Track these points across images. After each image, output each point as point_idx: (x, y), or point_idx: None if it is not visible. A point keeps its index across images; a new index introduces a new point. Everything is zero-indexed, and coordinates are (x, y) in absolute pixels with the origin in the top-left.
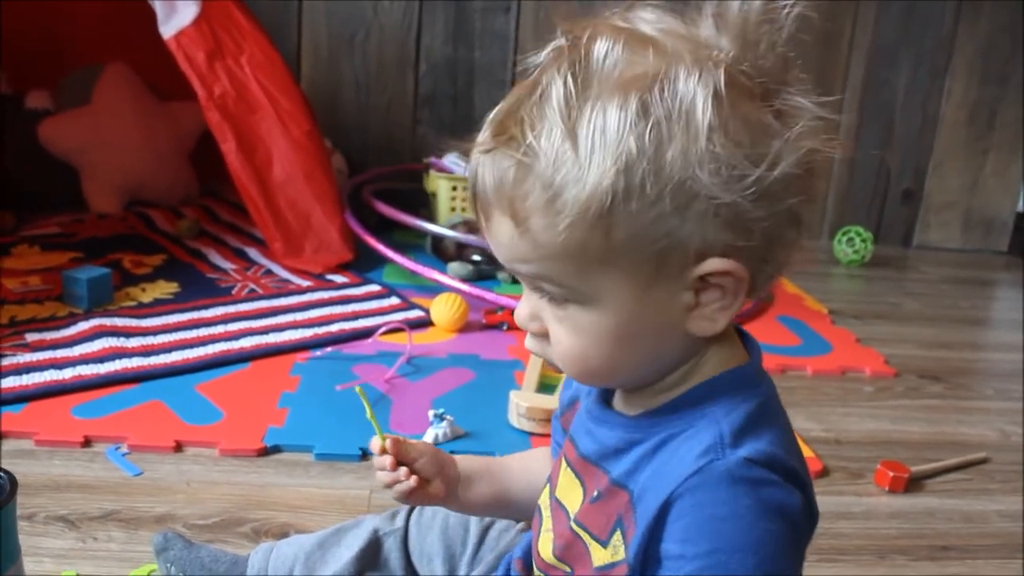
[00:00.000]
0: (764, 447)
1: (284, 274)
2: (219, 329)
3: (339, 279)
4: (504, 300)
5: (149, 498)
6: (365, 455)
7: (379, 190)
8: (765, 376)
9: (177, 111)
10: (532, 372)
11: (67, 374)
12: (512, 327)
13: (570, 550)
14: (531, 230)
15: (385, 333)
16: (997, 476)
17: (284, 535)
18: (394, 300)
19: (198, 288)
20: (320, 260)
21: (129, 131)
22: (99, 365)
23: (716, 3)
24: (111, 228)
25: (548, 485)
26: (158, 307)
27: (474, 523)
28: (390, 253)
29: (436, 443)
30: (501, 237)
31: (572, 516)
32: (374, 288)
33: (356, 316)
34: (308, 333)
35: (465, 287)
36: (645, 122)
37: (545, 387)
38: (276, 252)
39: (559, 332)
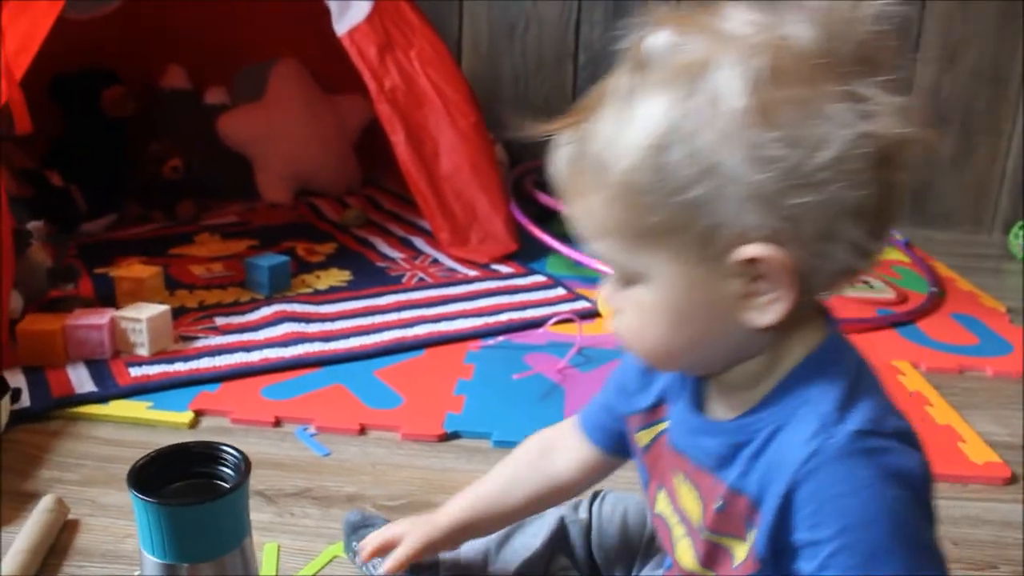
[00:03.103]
0: (870, 415)
1: (451, 263)
2: (393, 317)
3: (505, 269)
4: None
5: (338, 478)
6: None
7: (541, 181)
8: (848, 344)
9: (342, 104)
10: None
11: (255, 357)
12: None
13: (712, 557)
14: (589, 208)
15: (555, 323)
16: None
17: None
18: (560, 291)
19: (369, 276)
20: (486, 250)
21: (299, 124)
22: (284, 349)
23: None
24: (282, 217)
25: (663, 493)
26: (333, 294)
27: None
28: (555, 244)
29: None
30: (574, 217)
31: (700, 526)
32: (540, 279)
33: (524, 306)
34: (479, 322)
35: None
36: (684, 106)
37: None
38: (443, 242)
39: (624, 310)
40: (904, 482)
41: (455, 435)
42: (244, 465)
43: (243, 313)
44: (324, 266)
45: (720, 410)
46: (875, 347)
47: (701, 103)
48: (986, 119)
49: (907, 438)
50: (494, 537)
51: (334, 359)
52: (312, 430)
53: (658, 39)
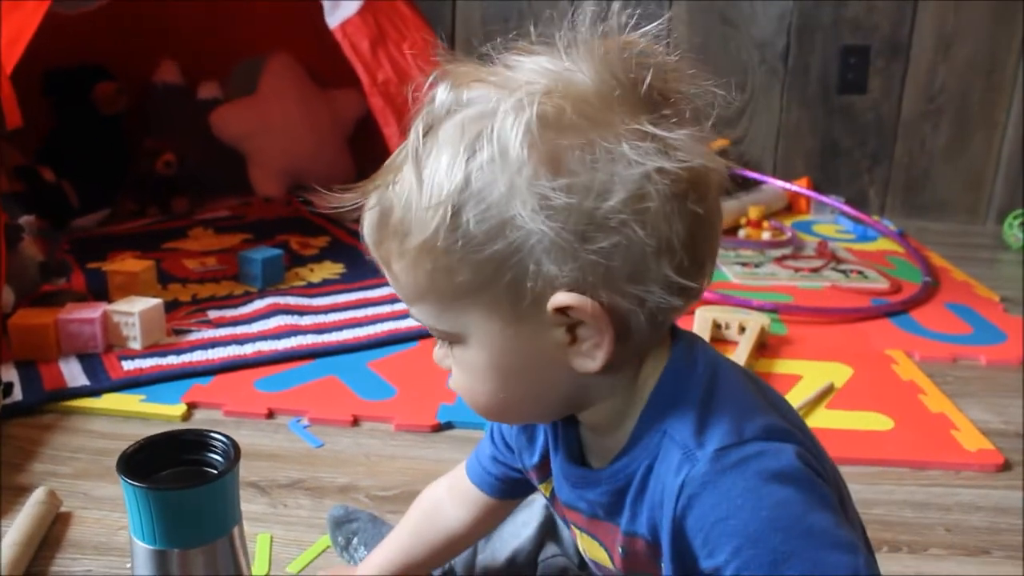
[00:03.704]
0: (726, 427)
1: None
2: (386, 309)
3: None
4: None
5: (332, 469)
6: None
7: None
8: (694, 355)
9: (336, 98)
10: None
11: (248, 349)
12: None
13: None
14: (395, 274)
15: None
16: None
17: None
18: None
19: (363, 269)
20: None
21: (292, 118)
22: (277, 341)
23: (593, 37)
24: (276, 211)
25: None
26: (326, 287)
27: None
28: None
29: None
30: (391, 282)
31: (615, 570)
32: None
33: None
34: None
35: None
36: (472, 164)
37: None
38: None
39: (454, 371)
40: (783, 479)
41: (448, 425)
42: (234, 452)
43: (236, 306)
44: (317, 259)
45: (595, 458)
46: (869, 337)
47: (487, 158)
48: (980, 110)
49: (773, 433)
50: None
51: (327, 351)
52: (305, 422)
53: (443, 95)
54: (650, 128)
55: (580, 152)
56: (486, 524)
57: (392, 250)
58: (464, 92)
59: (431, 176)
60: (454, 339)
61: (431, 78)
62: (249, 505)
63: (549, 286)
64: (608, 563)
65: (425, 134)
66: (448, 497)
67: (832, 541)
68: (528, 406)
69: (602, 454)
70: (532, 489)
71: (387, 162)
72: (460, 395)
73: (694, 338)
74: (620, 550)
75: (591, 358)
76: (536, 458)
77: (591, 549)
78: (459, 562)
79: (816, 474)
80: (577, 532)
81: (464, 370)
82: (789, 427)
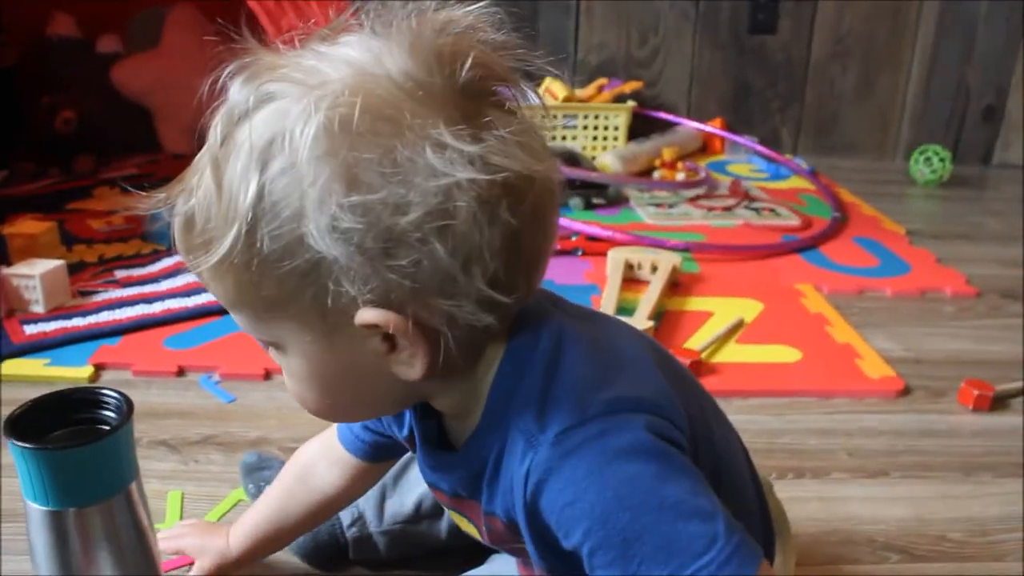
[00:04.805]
0: (569, 406)
1: None
2: None
3: None
4: (578, 226)
5: (243, 423)
6: None
7: None
8: (537, 329)
9: None
10: (609, 297)
11: (157, 308)
12: (587, 252)
13: (516, 550)
14: (204, 281)
15: None
16: None
17: None
18: None
19: None
20: None
21: (198, 71)
22: (186, 299)
23: (411, 16)
24: (185, 167)
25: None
26: None
27: None
28: None
29: None
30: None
31: (487, 542)
32: None
33: None
34: None
35: None
36: (264, 175)
37: (623, 310)
38: None
39: (283, 373)
40: (629, 455)
41: None
42: (126, 407)
43: (144, 265)
44: None
45: (455, 438)
46: (779, 272)
47: (278, 169)
48: (886, 52)
49: (619, 405)
50: (390, 472)
51: None
52: (216, 378)
53: (237, 92)
54: (459, 132)
55: (378, 163)
56: (361, 485)
57: (200, 258)
58: (264, 87)
59: (228, 185)
60: (274, 346)
61: (229, 70)
62: (159, 464)
63: (352, 303)
64: (478, 536)
65: (223, 136)
66: (322, 458)
67: (687, 511)
68: (360, 409)
69: (459, 436)
70: (405, 451)
71: (195, 159)
72: (292, 397)
73: (541, 309)
74: (485, 527)
75: (410, 367)
76: (405, 431)
77: (461, 523)
78: (368, 508)
79: (670, 442)
80: (445, 507)
81: (289, 375)
82: (638, 395)
